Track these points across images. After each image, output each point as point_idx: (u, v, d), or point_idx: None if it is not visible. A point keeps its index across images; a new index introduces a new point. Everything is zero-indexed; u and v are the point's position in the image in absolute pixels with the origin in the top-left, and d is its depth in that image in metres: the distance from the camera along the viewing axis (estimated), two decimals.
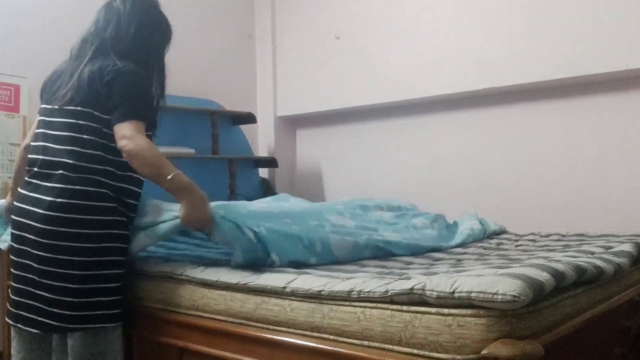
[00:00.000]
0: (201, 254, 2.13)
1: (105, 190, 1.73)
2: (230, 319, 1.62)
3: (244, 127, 3.76)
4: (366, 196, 3.49)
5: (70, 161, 1.71)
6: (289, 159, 4.02)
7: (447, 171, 3.26)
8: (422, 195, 3.27)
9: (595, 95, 2.76)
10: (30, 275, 1.72)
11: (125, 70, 1.74)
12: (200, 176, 3.41)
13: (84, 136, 1.73)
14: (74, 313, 1.68)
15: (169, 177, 1.66)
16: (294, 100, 3.88)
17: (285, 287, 1.50)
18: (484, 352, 1.14)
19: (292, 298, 1.49)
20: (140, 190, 1.86)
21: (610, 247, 1.89)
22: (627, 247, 1.86)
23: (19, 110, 2.70)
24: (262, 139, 4.02)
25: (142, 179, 1.84)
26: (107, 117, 1.73)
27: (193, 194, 1.70)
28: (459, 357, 1.18)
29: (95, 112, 1.74)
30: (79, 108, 1.74)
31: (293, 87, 3.88)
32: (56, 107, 1.77)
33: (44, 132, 1.79)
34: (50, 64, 2.00)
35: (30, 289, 1.72)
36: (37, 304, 1.71)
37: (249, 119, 3.66)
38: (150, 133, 1.83)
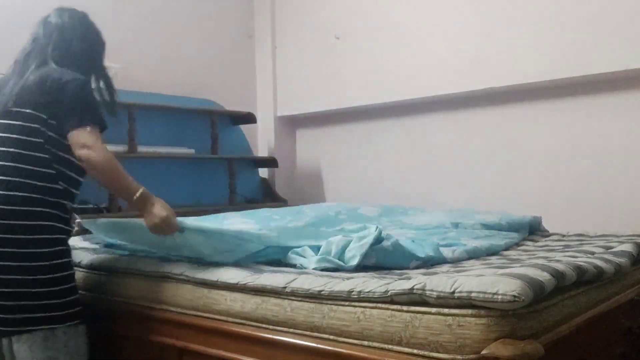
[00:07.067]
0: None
1: (43, 196, 1.71)
2: (230, 319, 1.61)
3: (244, 127, 3.76)
4: (365, 196, 3.50)
5: (11, 164, 1.70)
6: (289, 159, 4.02)
7: (447, 171, 3.26)
8: (421, 195, 3.27)
9: (595, 95, 2.76)
10: None
11: (72, 77, 1.77)
12: (199, 176, 3.46)
13: (30, 138, 1.72)
14: (17, 316, 1.65)
15: (136, 195, 1.73)
16: (294, 100, 3.88)
17: (285, 287, 1.50)
18: (484, 352, 1.14)
19: (292, 298, 1.49)
20: (78, 192, 1.85)
21: (610, 247, 1.89)
22: (627, 247, 1.85)
23: None
24: (262, 139, 4.02)
25: (81, 179, 1.84)
26: (53, 121, 1.74)
27: (162, 205, 1.76)
28: (459, 357, 1.18)
29: (42, 115, 1.73)
30: (26, 110, 1.74)
31: (293, 87, 3.88)
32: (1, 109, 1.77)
33: None
34: None
35: None
36: None
37: (249, 118, 3.66)
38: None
